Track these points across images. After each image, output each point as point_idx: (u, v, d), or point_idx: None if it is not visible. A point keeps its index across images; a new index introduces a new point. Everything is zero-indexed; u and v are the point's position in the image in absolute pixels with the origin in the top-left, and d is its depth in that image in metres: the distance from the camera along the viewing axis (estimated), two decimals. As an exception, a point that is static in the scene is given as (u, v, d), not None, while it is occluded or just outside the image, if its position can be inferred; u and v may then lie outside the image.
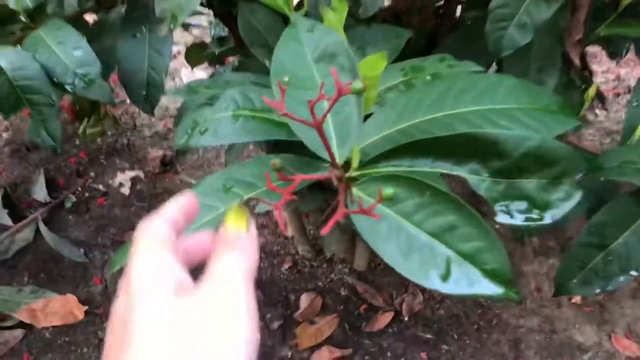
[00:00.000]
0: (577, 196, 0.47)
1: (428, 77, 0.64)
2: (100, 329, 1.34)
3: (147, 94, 0.89)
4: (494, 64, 1.05)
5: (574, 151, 0.46)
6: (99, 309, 1.38)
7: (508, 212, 0.46)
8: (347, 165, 0.48)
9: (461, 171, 0.47)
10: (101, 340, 1.32)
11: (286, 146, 0.61)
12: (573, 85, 0.99)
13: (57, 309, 1.37)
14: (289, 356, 1.31)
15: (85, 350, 1.31)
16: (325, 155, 0.45)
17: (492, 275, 0.41)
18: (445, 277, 0.41)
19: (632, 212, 0.81)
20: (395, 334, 1.32)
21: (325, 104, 0.50)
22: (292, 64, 0.53)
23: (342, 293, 1.40)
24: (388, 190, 0.37)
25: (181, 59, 1.94)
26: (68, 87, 0.80)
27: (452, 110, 0.53)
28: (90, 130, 1.48)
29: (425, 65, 0.65)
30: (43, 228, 1.48)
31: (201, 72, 1.94)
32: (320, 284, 1.42)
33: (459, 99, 0.54)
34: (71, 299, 1.38)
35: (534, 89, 0.55)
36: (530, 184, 0.46)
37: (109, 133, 1.75)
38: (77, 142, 1.73)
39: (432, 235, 0.42)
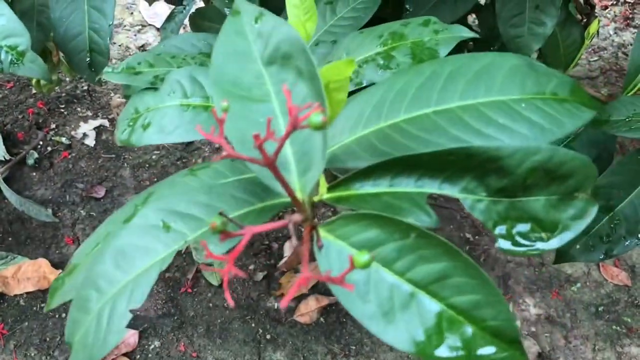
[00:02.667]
0: (593, 212, 0.39)
1: (409, 47, 0.54)
2: (76, 292, 1.28)
3: (90, 61, 0.78)
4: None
5: (589, 161, 0.38)
6: (73, 270, 1.32)
7: (509, 237, 0.39)
8: (311, 191, 0.39)
9: (453, 190, 0.39)
10: (79, 304, 1.27)
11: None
12: (572, 21, 0.89)
13: (30, 274, 1.31)
14: (275, 307, 1.27)
15: (63, 315, 1.26)
16: (280, 188, 0.36)
17: (493, 334, 0.34)
18: (434, 339, 0.34)
19: (641, 171, 0.74)
20: (383, 280, 1.28)
21: (282, 122, 0.40)
22: (236, 67, 0.42)
23: (327, 239, 1.34)
24: (361, 256, 0.28)
25: (140, -11, 1.78)
26: (-7, 65, 0.68)
27: (440, 104, 0.44)
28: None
29: (406, 31, 0.55)
30: (5, 188, 1.38)
31: (162, 6, 1.78)
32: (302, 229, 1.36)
33: (448, 88, 0.44)
34: (43, 262, 1.32)
35: (538, 70, 0.45)
36: (536, 203, 0.38)
37: (67, 79, 1.61)
38: (33, 90, 1.61)
39: (419, 286, 0.35)
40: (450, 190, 0.39)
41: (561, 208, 0.38)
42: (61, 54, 1.37)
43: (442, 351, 0.33)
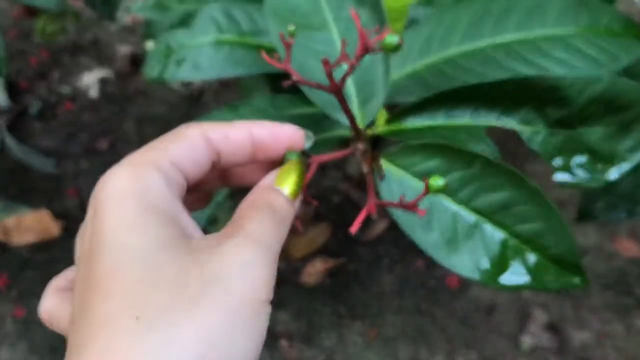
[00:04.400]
0: (649, 144, 0.38)
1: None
2: (79, 244, 1.27)
3: (104, -4, 0.75)
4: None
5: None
6: (76, 223, 1.30)
7: (567, 169, 0.38)
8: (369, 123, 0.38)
9: (510, 122, 0.38)
10: (82, 256, 1.26)
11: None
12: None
13: (32, 225, 1.29)
14: (282, 268, 1.27)
15: (65, 266, 1.25)
16: (342, 118, 0.35)
17: (557, 261, 0.33)
18: (499, 266, 0.33)
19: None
20: (391, 242, 1.28)
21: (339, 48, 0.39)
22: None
23: (335, 200, 1.34)
24: (437, 180, 0.27)
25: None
26: (9, -5, 0.65)
27: (493, 38, 0.43)
28: (49, 27, 1.33)
29: (450, -32, 0.53)
30: (8, 137, 1.36)
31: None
32: (312, 191, 1.35)
33: (500, 22, 0.43)
34: (45, 213, 1.30)
35: (591, 5, 0.44)
36: (594, 134, 0.38)
37: (72, 29, 1.58)
38: (36, 39, 1.57)
39: (483, 215, 0.34)
40: (508, 122, 0.38)
41: (618, 139, 0.38)
42: (68, 1, 1.34)
43: (506, 278, 0.33)
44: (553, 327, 1.19)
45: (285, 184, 0.28)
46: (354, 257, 1.26)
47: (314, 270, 1.26)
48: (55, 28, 1.32)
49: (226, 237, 0.24)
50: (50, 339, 1.17)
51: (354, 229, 0.29)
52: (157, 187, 0.24)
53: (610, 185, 0.74)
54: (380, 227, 1.28)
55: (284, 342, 1.18)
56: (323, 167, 1.38)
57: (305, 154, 0.31)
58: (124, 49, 1.54)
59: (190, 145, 0.26)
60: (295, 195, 0.28)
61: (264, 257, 0.24)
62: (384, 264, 1.26)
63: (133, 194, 0.23)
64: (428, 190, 0.28)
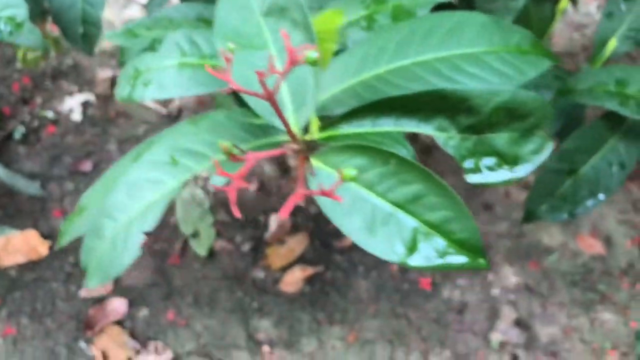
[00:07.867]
0: (549, 148, 0.45)
1: (390, 10, 0.58)
2: (66, 263, 1.32)
3: (84, 33, 0.81)
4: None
5: (546, 102, 0.43)
6: (63, 242, 1.35)
7: (477, 170, 0.44)
8: (304, 129, 0.44)
9: (428, 129, 0.44)
10: (69, 275, 1.30)
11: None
12: (544, -4, 0.94)
13: (20, 246, 1.33)
14: (262, 277, 1.31)
15: (54, 285, 1.29)
16: (278, 122, 0.41)
17: (461, 244, 0.39)
18: (411, 250, 0.39)
19: (602, 136, 0.81)
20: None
21: (279, 66, 0.45)
22: (238, 19, 0.47)
23: (312, 211, 1.39)
24: (349, 171, 0.33)
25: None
26: (-8, 34, 0.71)
27: (417, 56, 0.49)
28: (31, 53, 1.38)
29: (387, -5, 0.59)
30: (-6, 162, 1.41)
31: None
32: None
33: (424, 42, 0.50)
34: (32, 234, 1.34)
35: (503, 26, 0.51)
36: (500, 139, 0.44)
37: (52, 54, 1.63)
38: (18, 65, 1.62)
39: (397, 205, 0.40)
40: (425, 129, 0.44)
41: (522, 144, 0.44)
42: (47, 28, 1.39)
43: (418, 260, 0.39)
44: (522, 324, 1.24)
45: None
46: (331, 264, 1.31)
47: (293, 279, 1.30)
48: (37, 55, 1.37)
49: None
50: (41, 357, 1.21)
51: (283, 214, 0.35)
52: None
53: (553, 190, 0.81)
54: (354, 235, 1.33)
55: (266, 349, 1.22)
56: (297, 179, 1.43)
57: (242, 151, 0.37)
58: (104, 73, 1.60)
59: None
60: None
61: None
62: (359, 271, 1.31)
63: None
64: (342, 178, 0.34)
